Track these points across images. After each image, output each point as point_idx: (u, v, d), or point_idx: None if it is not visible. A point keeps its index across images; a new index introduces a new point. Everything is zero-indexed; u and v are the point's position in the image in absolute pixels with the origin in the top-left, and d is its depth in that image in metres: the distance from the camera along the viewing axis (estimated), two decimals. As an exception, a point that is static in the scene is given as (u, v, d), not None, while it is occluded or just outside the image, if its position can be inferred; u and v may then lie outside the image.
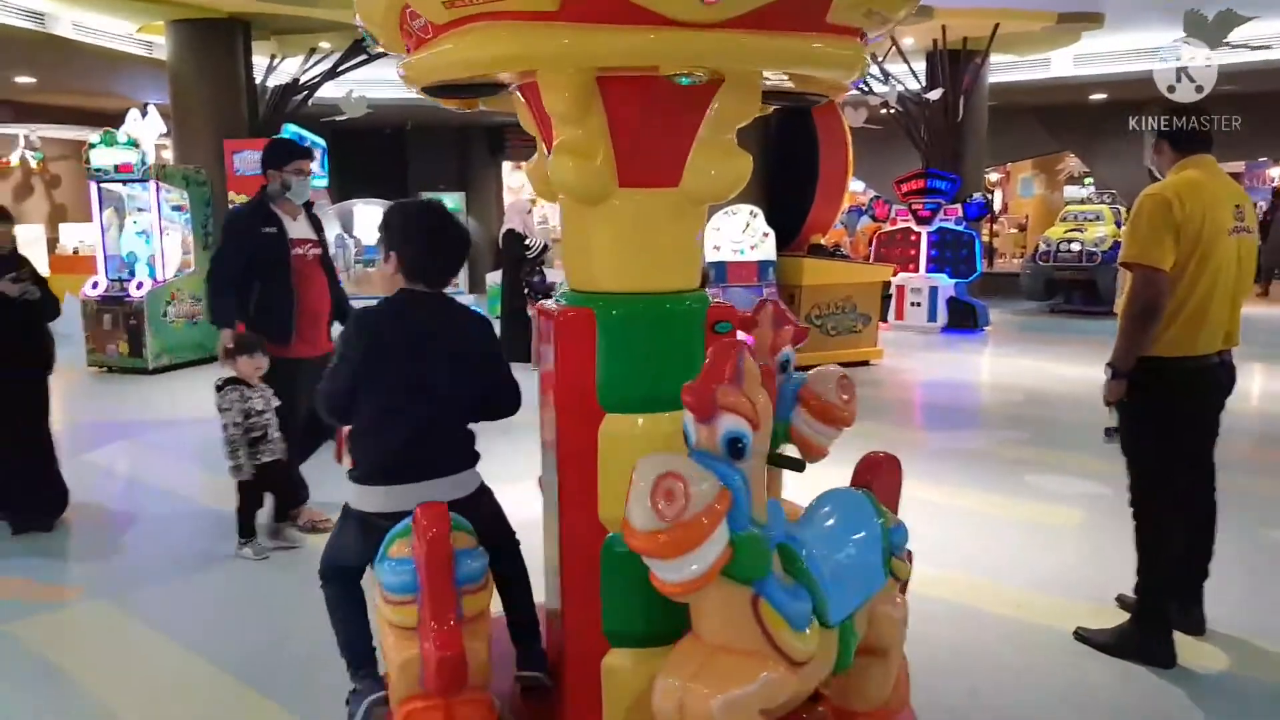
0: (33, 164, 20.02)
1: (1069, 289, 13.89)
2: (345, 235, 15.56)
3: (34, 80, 14.43)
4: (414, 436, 2.56)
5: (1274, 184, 19.94)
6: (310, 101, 12.61)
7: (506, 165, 21.35)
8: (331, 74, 12.47)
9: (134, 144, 9.61)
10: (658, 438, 2.25)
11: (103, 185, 9.90)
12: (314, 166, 5.77)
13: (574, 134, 2.23)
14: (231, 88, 11.59)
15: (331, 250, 6.02)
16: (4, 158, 19.49)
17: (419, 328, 2.62)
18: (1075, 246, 13.61)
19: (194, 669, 3.43)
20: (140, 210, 10.13)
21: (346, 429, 2.77)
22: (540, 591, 2.78)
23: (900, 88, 13.51)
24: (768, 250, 9.30)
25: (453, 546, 2.35)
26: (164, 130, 10.24)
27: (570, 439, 2.44)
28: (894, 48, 12.89)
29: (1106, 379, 3.39)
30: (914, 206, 12.23)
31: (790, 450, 2.75)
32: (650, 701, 2.10)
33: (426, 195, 10.70)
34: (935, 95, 13.51)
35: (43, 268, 5.01)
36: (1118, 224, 13.60)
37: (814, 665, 2.12)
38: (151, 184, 9.67)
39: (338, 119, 10.89)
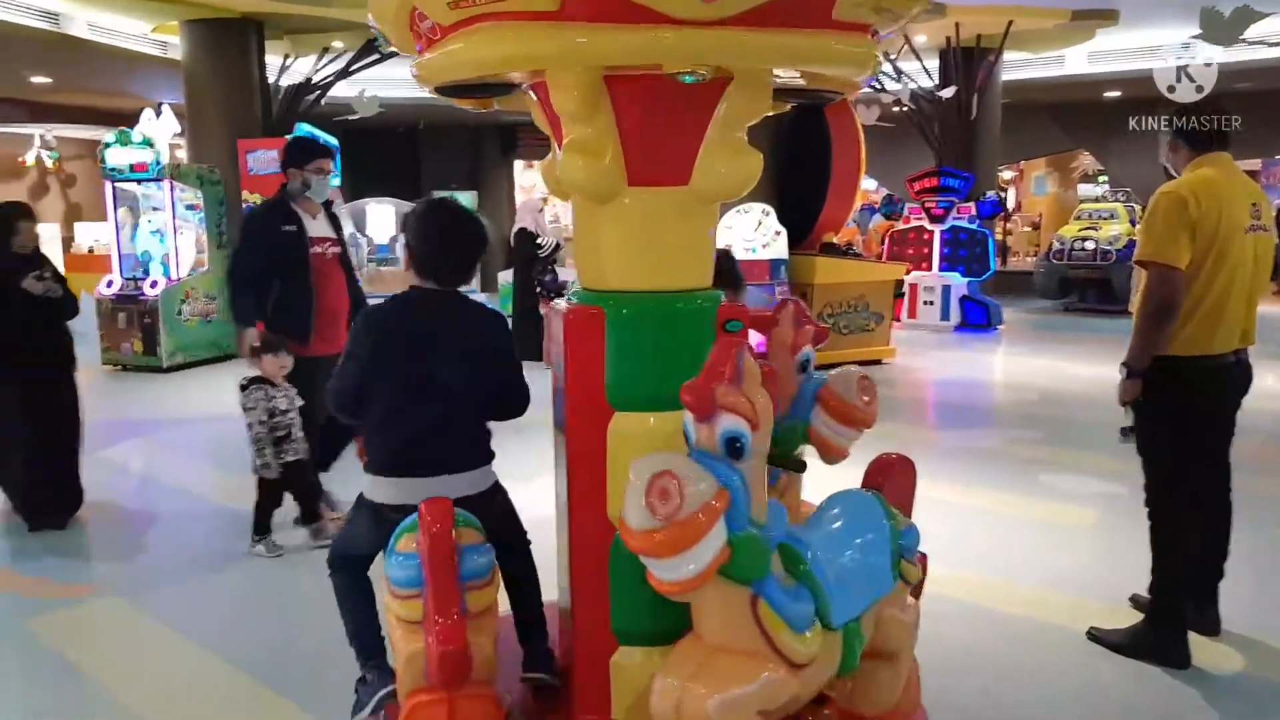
0: (48, 163, 20.19)
1: (1083, 288, 13.82)
2: (358, 234, 15.60)
3: (49, 80, 14.54)
4: (423, 432, 2.56)
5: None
6: (323, 101, 12.66)
7: (519, 164, 21.41)
8: (344, 73, 12.52)
9: (149, 143, 9.66)
10: (668, 436, 2.24)
11: (117, 184, 9.95)
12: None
13: (583, 132, 2.23)
14: (245, 87, 11.66)
15: (344, 249, 6.02)
16: (20, 157, 19.66)
17: (427, 325, 2.62)
18: (1090, 245, 13.53)
19: (208, 666, 3.45)
20: (155, 209, 10.19)
21: None
22: (551, 590, 2.78)
23: (913, 85, 13.47)
24: (780, 249, 9.29)
25: (458, 542, 2.35)
26: (178, 130, 10.30)
27: (580, 438, 2.44)
28: (907, 45, 12.84)
29: (1121, 378, 3.36)
30: (927, 205, 12.19)
31: (808, 452, 2.73)
32: (659, 699, 2.09)
33: (441, 194, 10.72)
34: (948, 93, 13.46)
35: (58, 267, 5.04)
36: (1132, 222, 13.51)
37: (816, 667, 2.11)
38: (166, 183, 9.73)
39: (350, 118, 10.94)
